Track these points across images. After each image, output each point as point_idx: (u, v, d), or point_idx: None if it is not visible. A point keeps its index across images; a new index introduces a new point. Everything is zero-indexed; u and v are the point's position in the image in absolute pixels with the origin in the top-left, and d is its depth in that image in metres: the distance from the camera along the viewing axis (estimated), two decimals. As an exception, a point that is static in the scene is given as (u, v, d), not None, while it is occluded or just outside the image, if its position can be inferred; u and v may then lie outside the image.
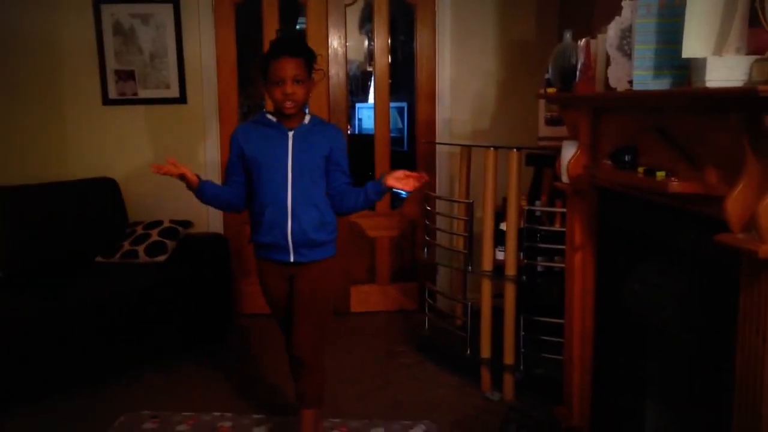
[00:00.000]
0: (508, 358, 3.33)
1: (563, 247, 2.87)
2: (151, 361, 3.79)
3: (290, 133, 2.59)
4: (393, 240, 4.79)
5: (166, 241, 4.04)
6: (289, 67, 2.47)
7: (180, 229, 4.16)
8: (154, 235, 4.07)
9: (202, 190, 2.61)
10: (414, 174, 2.50)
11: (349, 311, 4.77)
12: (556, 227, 3.27)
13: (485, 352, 3.43)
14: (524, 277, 3.31)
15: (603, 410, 2.57)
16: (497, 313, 3.40)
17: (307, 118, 2.64)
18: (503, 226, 3.40)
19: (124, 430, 3.06)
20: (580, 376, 2.70)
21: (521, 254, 3.31)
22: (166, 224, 4.16)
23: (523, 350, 3.29)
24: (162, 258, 3.99)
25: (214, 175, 4.49)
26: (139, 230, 4.14)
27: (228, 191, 2.69)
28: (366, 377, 3.67)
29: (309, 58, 2.55)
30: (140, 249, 4.01)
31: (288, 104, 2.51)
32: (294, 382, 2.82)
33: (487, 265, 3.42)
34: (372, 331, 4.42)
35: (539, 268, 3.34)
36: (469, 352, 3.52)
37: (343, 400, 3.37)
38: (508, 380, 3.35)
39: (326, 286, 2.69)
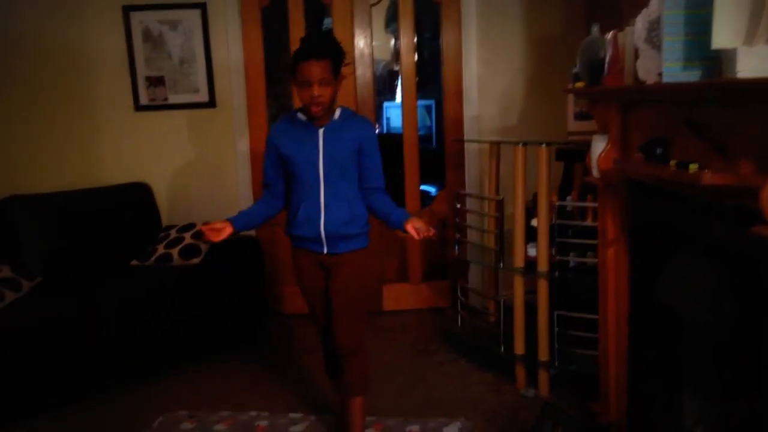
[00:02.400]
0: (543, 355, 3.32)
1: (595, 242, 2.85)
2: (187, 362, 3.85)
3: (320, 131, 2.63)
4: (424, 238, 4.78)
5: (200, 244, 4.09)
6: (315, 71, 2.48)
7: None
8: (188, 239, 4.12)
9: (238, 229, 2.72)
10: (430, 230, 2.59)
11: (382, 310, 4.78)
12: (588, 222, 3.25)
13: (519, 348, 3.42)
14: (556, 273, 3.29)
15: (639, 404, 2.55)
16: (530, 309, 3.39)
17: (337, 113, 2.67)
18: (534, 222, 3.39)
19: (163, 430, 3.11)
20: (616, 371, 2.69)
21: (553, 250, 3.29)
22: (199, 227, 4.20)
23: (557, 346, 3.28)
24: (196, 260, 4.04)
25: (245, 173, 4.55)
26: (173, 234, 4.20)
27: (261, 209, 2.81)
28: (399, 375, 3.68)
29: (336, 58, 2.56)
30: (174, 252, 4.07)
31: (315, 108, 2.54)
32: (332, 378, 2.91)
33: (519, 262, 3.41)
34: (404, 330, 4.43)
35: (571, 264, 3.33)
36: (503, 349, 3.51)
37: (377, 398, 3.38)
38: (543, 377, 3.34)
39: (362, 275, 2.73)
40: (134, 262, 4.12)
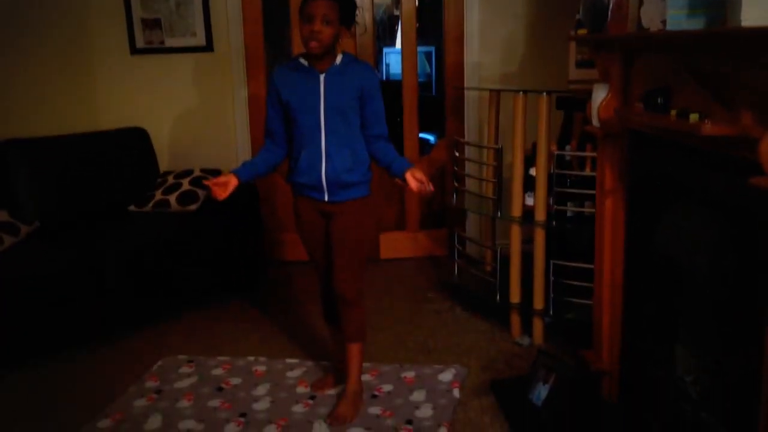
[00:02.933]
0: (538, 303, 3.34)
1: (593, 192, 2.84)
2: (185, 309, 3.88)
3: (322, 76, 2.59)
4: (421, 193, 4.76)
5: (197, 190, 4.07)
6: (320, 6, 2.45)
7: (211, 177, 4.18)
8: (185, 185, 4.11)
9: (243, 180, 2.71)
10: (429, 185, 2.58)
11: (379, 258, 4.80)
12: (587, 172, 3.23)
13: (515, 297, 3.44)
14: (554, 223, 3.29)
15: (632, 353, 2.58)
16: (526, 258, 3.40)
17: (338, 58, 2.61)
18: (533, 172, 3.37)
19: (162, 374, 3.15)
20: (610, 320, 2.71)
21: (551, 200, 3.29)
22: (197, 173, 4.19)
23: (552, 295, 3.30)
24: (193, 207, 4.04)
25: (242, 118, 4.51)
26: (171, 180, 4.18)
27: (265, 158, 2.79)
28: (396, 323, 3.71)
29: (346, 4, 2.54)
30: (172, 198, 4.06)
31: (313, 43, 2.49)
32: (331, 325, 2.95)
33: (517, 211, 3.40)
34: (401, 278, 4.46)
35: (569, 214, 3.32)
36: (498, 297, 3.54)
37: (374, 345, 3.41)
38: (538, 325, 3.37)
39: (362, 223, 2.72)
40: (132, 208, 4.11)
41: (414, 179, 2.57)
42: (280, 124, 2.72)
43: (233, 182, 2.66)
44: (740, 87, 1.75)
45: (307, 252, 2.86)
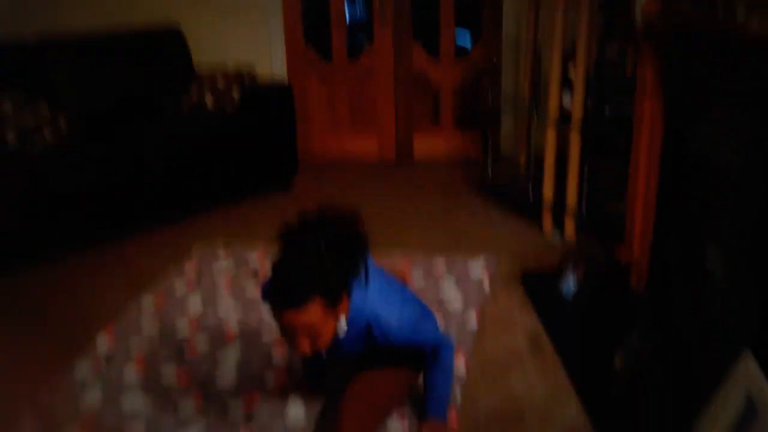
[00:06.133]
0: (571, 200, 3.36)
1: (633, 93, 2.82)
2: (221, 204, 3.98)
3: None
4: (457, 89, 4.76)
5: (233, 89, 4.09)
6: (294, 318, 1.67)
7: (245, 78, 4.20)
8: (221, 83, 4.12)
9: None
10: None
11: (413, 158, 4.84)
12: (627, 72, 3.19)
13: (547, 194, 3.46)
14: (590, 124, 3.28)
15: (662, 248, 2.62)
16: (560, 160, 3.41)
17: (342, 330, 1.81)
18: (571, 72, 3.33)
19: (200, 260, 3.27)
20: (642, 216, 2.73)
21: (588, 101, 3.26)
22: (232, 72, 4.20)
23: (585, 194, 3.32)
24: (229, 106, 4.07)
25: (276, 18, 4.47)
26: (206, 78, 4.20)
27: None
28: (428, 219, 3.78)
29: (330, 290, 1.70)
30: (208, 97, 4.08)
31: (307, 354, 1.82)
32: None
33: (553, 112, 3.39)
34: (435, 178, 4.50)
35: (607, 114, 3.30)
36: (531, 197, 3.57)
37: (407, 236, 3.49)
38: (569, 223, 3.41)
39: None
40: (167, 106, 4.15)
41: None
42: None
43: None
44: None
45: None
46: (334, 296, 1.71)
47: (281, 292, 1.67)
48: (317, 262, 1.67)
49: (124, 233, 3.57)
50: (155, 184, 3.64)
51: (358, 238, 1.77)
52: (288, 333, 1.72)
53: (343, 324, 1.79)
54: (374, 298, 1.86)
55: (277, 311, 1.68)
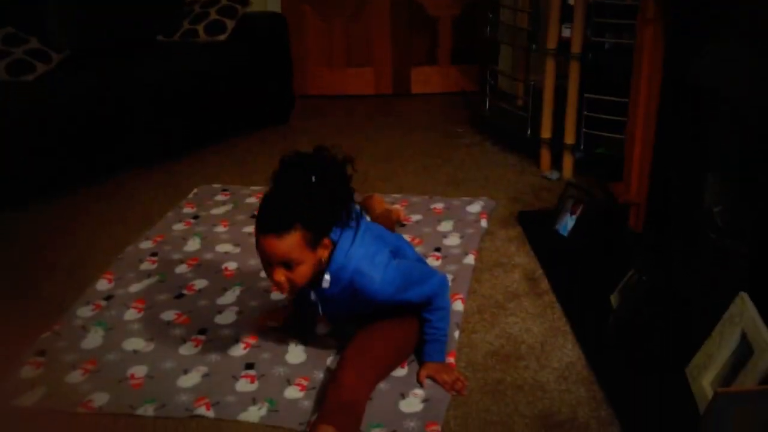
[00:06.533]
0: (569, 138, 3.33)
1: (634, 21, 2.75)
2: (216, 140, 3.93)
3: (311, 292, 1.96)
4: (455, 19, 4.65)
5: (225, 20, 4.00)
6: (273, 246, 1.72)
7: (238, 7, 4.10)
8: (213, 14, 4.02)
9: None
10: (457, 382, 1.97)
11: (410, 92, 4.77)
12: (628, 0, 3.11)
13: (546, 132, 3.43)
14: (590, 55, 3.21)
15: (661, 185, 2.60)
16: (559, 94, 3.35)
17: (325, 280, 1.87)
18: (571, 0, 3.25)
19: (198, 201, 3.25)
20: (641, 152, 2.69)
21: (588, 31, 3.19)
22: (224, 2, 4.09)
23: (584, 130, 3.28)
24: (222, 37, 3.98)
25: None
26: (197, 9, 4.10)
27: None
28: (426, 156, 3.74)
29: (313, 223, 1.75)
30: (200, 28, 3.99)
31: (282, 292, 1.85)
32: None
33: (552, 43, 3.31)
34: (432, 112, 4.45)
35: (606, 46, 3.23)
36: (529, 132, 3.53)
37: (403, 177, 3.47)
38: (568, 160, 3.38)
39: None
40: (160, 38, 4.07)
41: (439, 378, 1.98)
42: None
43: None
44: None
45: None
46: (316, 231, 1.76)
47: (265, 217, 1.75)
48: (304, 192, 1.74)
49: (118, 171, 3.52)
50: (148, 117, 3.58)
51: (348, 181, 1.83)
52: (266, 262, 1.78)
53: (327, 277, 1.85)
54: (359, 254, 1.86)
55: (259, 237, 1.74)
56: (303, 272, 1.78)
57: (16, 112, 3.18)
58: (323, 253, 1.81)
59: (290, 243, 1.71)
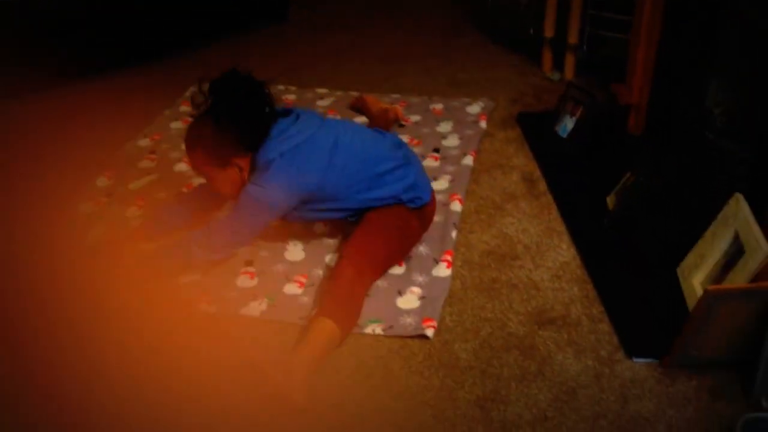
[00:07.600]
0: (572, 38, 3.26)
1: None
2: (214, 37, 3.86)
3: None
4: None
5: None
6: (190, 165, 2.08)
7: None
8: None
9: None
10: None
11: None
12: None
13: (549, 31, 3.35)
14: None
15: (663, 87, 2.57)
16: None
17: None
18: None
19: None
20: (645, 53, 2.65)
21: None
22: None
23: (588, 29, 3.21)
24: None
25: None
26: None
27: None
28: (426, 56, 3.68)
29: (210, 144, 1.96)
30: None
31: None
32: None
33: (559, -62, 3.20)
34: (433, 10, 4.34)
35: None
36: (532, 31, 3.45)
37: (403, 77, 3.42)
38: (570, 60, 3.32)
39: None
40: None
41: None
42: None
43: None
44: None
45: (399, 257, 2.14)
46: (217, 156, 1.96)
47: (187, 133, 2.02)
48: (205, 120, 1.97)
49: (116, 67, 3.48)
50: (142, 12, 3.50)
51: (259, 103, 2.03)
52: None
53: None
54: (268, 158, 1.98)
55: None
56: (218, 186, 2.04)
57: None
58: (234, 171, 2.00)
59: (196, 160, 2.00)
